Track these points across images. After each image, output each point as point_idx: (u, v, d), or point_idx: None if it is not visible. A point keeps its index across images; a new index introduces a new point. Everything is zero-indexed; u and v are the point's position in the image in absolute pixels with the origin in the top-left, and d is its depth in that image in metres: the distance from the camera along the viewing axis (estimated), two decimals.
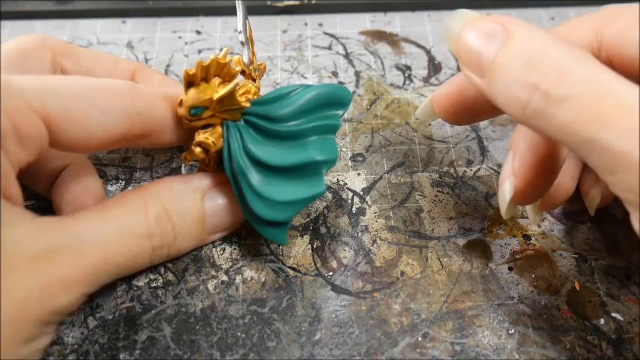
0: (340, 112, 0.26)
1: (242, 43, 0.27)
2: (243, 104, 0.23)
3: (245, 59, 0.26)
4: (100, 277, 0.21)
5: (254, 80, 0.26)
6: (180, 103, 0.23)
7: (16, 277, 0.19)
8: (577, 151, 0.18)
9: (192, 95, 0.22)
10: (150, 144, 0.24)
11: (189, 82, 0.22)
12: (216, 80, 0.22)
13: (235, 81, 0.22)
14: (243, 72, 0.26)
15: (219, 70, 0.22)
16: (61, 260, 0.20)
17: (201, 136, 0.23)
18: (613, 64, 0.21)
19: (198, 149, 0.24)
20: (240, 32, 0.27)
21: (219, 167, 0.25)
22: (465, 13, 0.21)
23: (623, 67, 0.21)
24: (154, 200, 0.23)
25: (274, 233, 0.25)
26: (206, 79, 0.22)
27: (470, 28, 0.20)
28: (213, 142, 0.23)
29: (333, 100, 0.25)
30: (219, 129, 0.24)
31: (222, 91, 0.22)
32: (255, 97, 0.25)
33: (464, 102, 0.25)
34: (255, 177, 0.23)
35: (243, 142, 0.23)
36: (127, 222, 0.22)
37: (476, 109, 0.25)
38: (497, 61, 0.19)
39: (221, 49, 0.35)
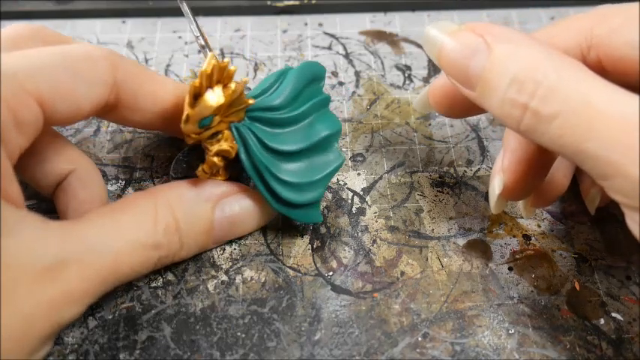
0: (321, 84, 0.27)
1: (202, 47, 0.26)
2: (250, 101, 0.23)
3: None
4: (106, 287, 0.21)
5: None
6: (187, 119, 0.22)
7: (23, 291, 0.18)
8: (571, 161, 0.18)
9: (202, 106, 0.22)
10: (121, 119, 0.24)
11: (196, 95, 0.22)
12: (217, 86, 0.22)
13: (244, 78, 0.22)
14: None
15: (221, 75, 0.22)
16: (69, 273, 0.19)
17: (215, 146, 0.23)
18: (602, 64, 0.21)
19: (217, 159, 0.23)
20: (197, 37, 0.26)
21: (227, 172, 0.25)
22: (444, 25, 0.21)
23: (613, 67, 0.21)
24: (164, 208, 0.23)
25: (309, 215, 0.26)
26: (211, 87, 0.22)
27: (451, 42, 0.20)
28: (230, 147, 0.23)
29: (311, 75, 0.26)
30: (228, 134, 0.23)
31: (231, 90, 0.22)
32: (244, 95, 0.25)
33: (458, 96, 0.25)
34: (279, 167, 0.24)
35: (257, 138, 0.24)
36: (136, 232, 0.22)
37: (469, 104, 0.25)
38: (484, 78, 0.19)
39: (225, 53, 0.35)
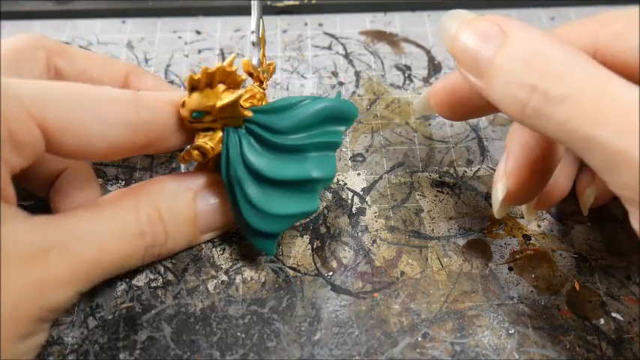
0: (343, 128, 0.26)
1: (253, 44, 0.26)
2: (246, 114, 0.23)
3: (255, 61, 0.26)
4: (95, 276, 0.21)
5: (261, 82, 0.26)
6: (183, 105, 0.22)
7: (11, 274, 0.19)
8: (576, 150, 0.18)
9: (196, 99, 0.22)
10: (157, 150, 0.24)
11: (193, 87, 0.22)
12: (220, 86, 0.22)
13: (239, 92, 0.22)
14: (250, 74, 0.25)
15: (225, 77, 0.22)
16: (56, 258, 0.20)
17: (199, 140, 0.23)
18: (607, 68, 0.21)
19: (195, 152, 0.24)
20: (253, 32, 0.26)
21: (217, 169, 0.25)
22: (460, 14, 0.21)
23: (617, 71, 0.21)
24: (145, 200, 0.23)
25: (263, 243, 0.25)
26: (210, 85, 0.22)
27: (466, 29, 0.20)
28: (211, 148, 0.23)
29: (339, 115, 0.25)
30: (219, 134, 0.23)
31: (225, 100, 0.22)
32: (262, 102, 0.25)
33: (460, 98, 0.25)
34: (250, 187, 0.23)
35: (242, 151, 0.23)
36: (119, 221, 0.22)
37: (471, 105, 0.25)
38: (496, 62, 0.19)
39: (225, 53, 0.35)
